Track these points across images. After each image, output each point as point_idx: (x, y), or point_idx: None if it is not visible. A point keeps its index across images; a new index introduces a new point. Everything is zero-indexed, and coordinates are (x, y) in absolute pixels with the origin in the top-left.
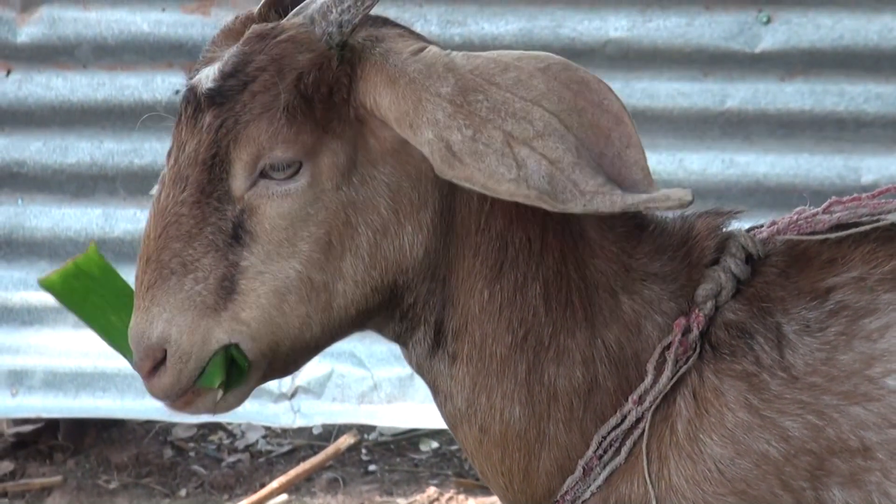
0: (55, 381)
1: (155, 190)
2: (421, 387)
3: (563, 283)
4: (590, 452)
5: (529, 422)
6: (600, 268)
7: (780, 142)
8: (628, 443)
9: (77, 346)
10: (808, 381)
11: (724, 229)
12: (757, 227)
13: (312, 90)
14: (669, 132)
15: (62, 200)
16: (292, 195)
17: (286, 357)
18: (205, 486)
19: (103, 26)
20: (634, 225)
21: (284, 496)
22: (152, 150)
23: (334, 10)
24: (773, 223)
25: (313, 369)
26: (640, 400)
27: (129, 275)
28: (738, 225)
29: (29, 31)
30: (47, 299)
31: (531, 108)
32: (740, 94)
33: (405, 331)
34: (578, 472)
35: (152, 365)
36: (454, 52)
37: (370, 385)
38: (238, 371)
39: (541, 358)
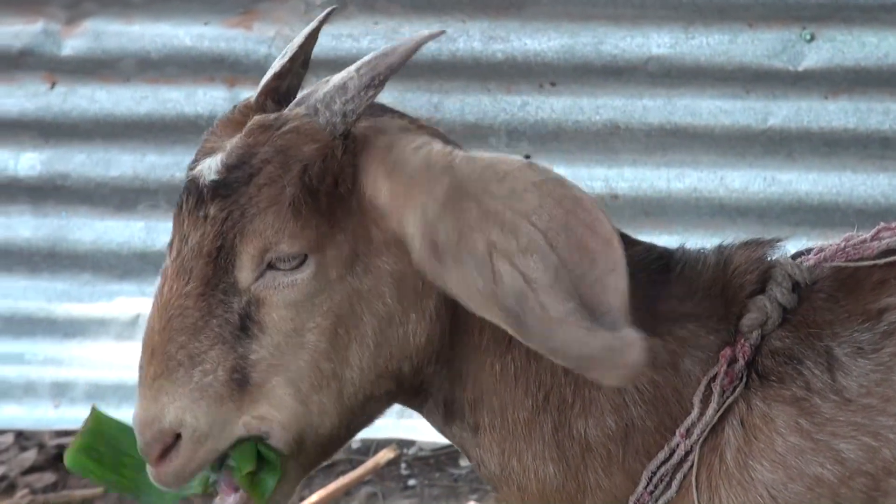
0: (97, 393)
1: (158, 284)
2: None
3: None
4: (640, 489)
5: (566, 476)
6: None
7: (823, 160)
8: (678, 475)
9: (119, 358)
10: (863, 402)
11: (766, 259)
12: (803, 254)
13: (318, 182)
14: (711, 149)
15: (105, 213)
16: (298, 286)
17: (314, 447)
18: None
19: (146, 40)
20: (657, 269)
21: None
22: None
23: (338, 100)
24: (821, 250)
25: None
26: (688, 433)
27: None
28: (784, 250)
29: (73, 44)
30: (90, 311)
31: (520, 222)
32: (783, 111)
33: (419, 406)
34: None
35: (162, 449)
36: (457, 152)
37: None
38: (270, 466)
39: (567, 415)
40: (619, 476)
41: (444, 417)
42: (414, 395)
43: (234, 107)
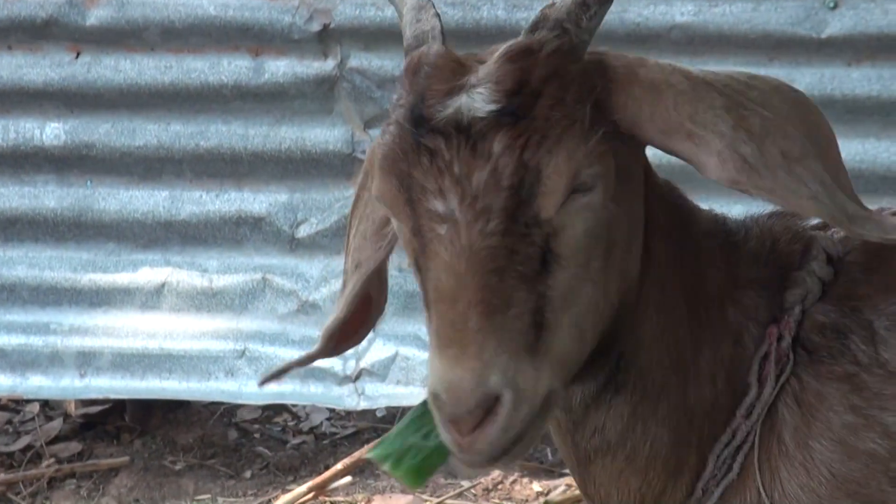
0: (122, 363)
1: (443, 231)
2: None
3: (695, 299)
4: (707, 473)
5: (672, 448)
6: (714, 278)
7: (846, 127)
8: (739, 458)
9: (144, 327)
10: None
11: (805, 230)
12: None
13: (590, 101)
14: None
15: (130, 182)
16: (593, 208)
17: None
18: (269, 467)
19: (171, 9)
20: (725, 232)
21: (348, 478)
22: (218, 132)
23: (584, 17)
24: None
25: (378, 352)
26: (748, 414)
27: (197, 256)
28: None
29: (98, 13)
30: (115, 280)
31: (787, 128)
32: (806, 79)
33: (589, 365)
34: (698, 493)
35: (484, 415)
36: (681, 66)
37: None
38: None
39: (686, 379)
40: (699, 456)
41: (605, 381)
42: (600, 348)
43: (420, 59)
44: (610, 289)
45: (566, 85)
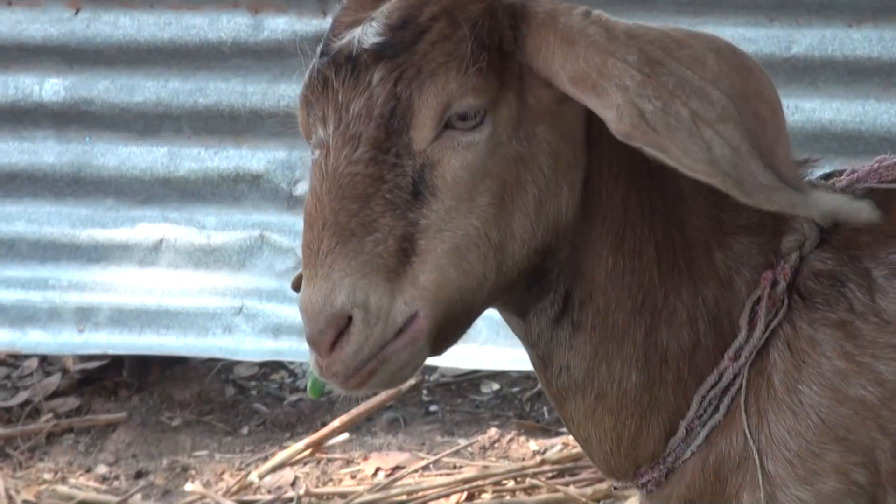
0: (120, 319)
1: (316, 155)
2: (483, 329)
3: (670, 243)
4: (691, 413)
5: (643, 387)
6: (696, 224)
7: (846, 88)
8: (726, 399)
9: (142, 283)
10: None
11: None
12: (834, 175)
13: (489, 39)
14: None
15: (128, 139)
16: (476, 146)
17: (452, 327)
18: (266, 424)
19: None
20: None
21: (345, 435)
22: (217, 89)
23: None
24: (853, 171)
25: None
26: (736, 356)
27: (195, 213)
28: (814, 173)
29: None
30: (113, 236)
31: (710, 89)
32: (806, 39)
33: (532, 299)
34: (681, 433)
35: (336, 334)
36: (621, 21)
37: None
38: None
39: (656, 321)
40: (681, 396)
41: (556, 316)
42: (538, 283)
43: None
44: (515, 227)
45: (457, 23)
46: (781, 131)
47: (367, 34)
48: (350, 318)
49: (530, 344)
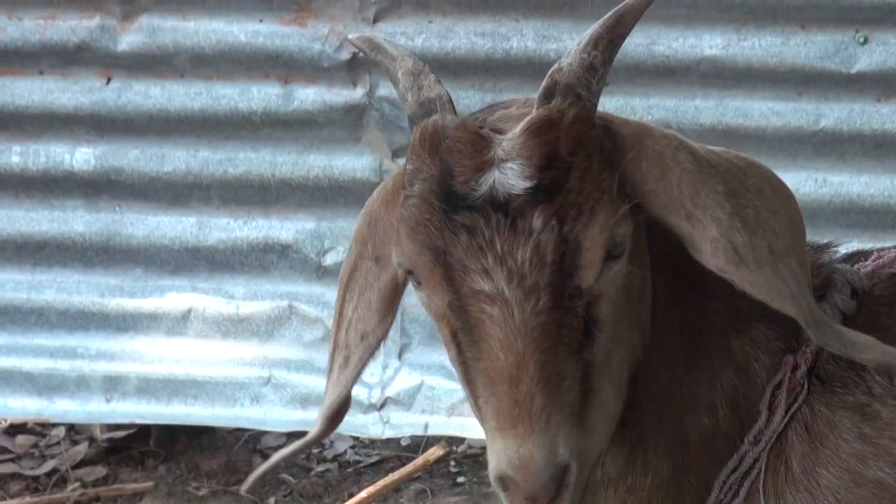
0: (148, 388)
1: (494, 311)
2: None
3: (694, 333)
4: (712, 498)
5: (673, 475)
6: (716, 309)
7: (875, 162)
8: (746, 483)
9: (170, 352)
10: None
11: (826, 263)
12: (860, 256)
13: (613, 167)
14: (762, 150)
15: (158, 208)
16: (621, 271)
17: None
18: (293, 494)
19: (201, 36)
20: None
21: None
22: (246, 159)
23: (593, 81)
24: (879, 256)
25: (403, 381)
26: (756, 440)
27: (224, 283)
28: (838, 254)
29: (129, 39)
30: (142, 306)
31: (774, 222)
32: (835, 113)
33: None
34: None
35: (557, 487)
36: (693, 143)
37: (460, 397)
38: None
39: (682, 412)
40: (702, 482)
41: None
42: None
43: (437, 131)
44: (635, 342)
45: (590, 153)
46: (805, 253)
47: (512, 177)
48: (567, 468)
49: None
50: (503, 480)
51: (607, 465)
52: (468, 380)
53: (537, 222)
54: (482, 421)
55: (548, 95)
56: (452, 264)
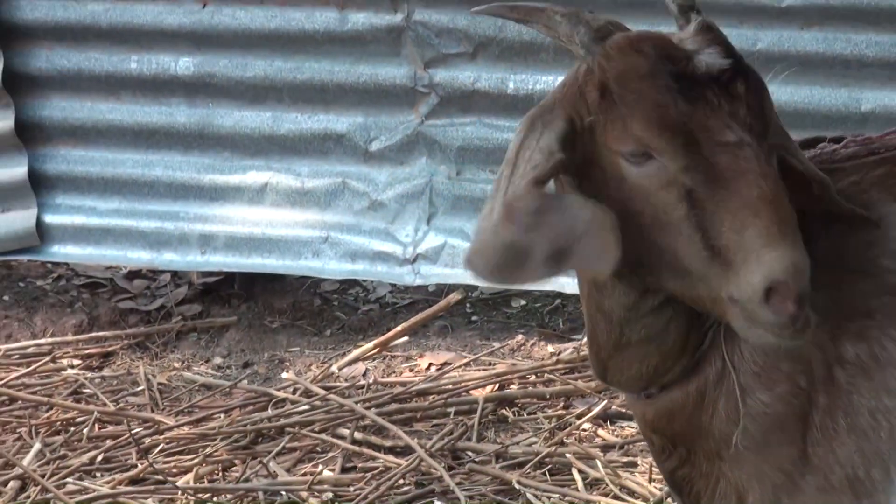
0: (234, 244)
1: (745, 153)
2: None
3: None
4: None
5: (685, 333)
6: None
7: (798, 77)
8: (710, 333)
9: (251, 217)
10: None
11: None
12: (824, 142)
13: None
14: None
15: (241, 105)
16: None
17: None
18: (345, 328)
19: None
20: None
21: (405, 338)
22: (310, 68)
23: None
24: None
25: (431, 241)
26: None
27: (293, 163)
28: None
29: None
30: (229, 180)
31: None
32: (768, 38)
33: None
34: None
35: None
36: None
37: None
38: None
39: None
40: (698, 336)
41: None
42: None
43: (635, 40)
44: None
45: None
46: None
47: (718, 59)
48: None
49: (626, 307)
50: (771, 290)
51: (652, 324)
52: (702, 227)
53: (740, 88)
54: (726, 255)
55: (684, 11)
56: (693, 129)
